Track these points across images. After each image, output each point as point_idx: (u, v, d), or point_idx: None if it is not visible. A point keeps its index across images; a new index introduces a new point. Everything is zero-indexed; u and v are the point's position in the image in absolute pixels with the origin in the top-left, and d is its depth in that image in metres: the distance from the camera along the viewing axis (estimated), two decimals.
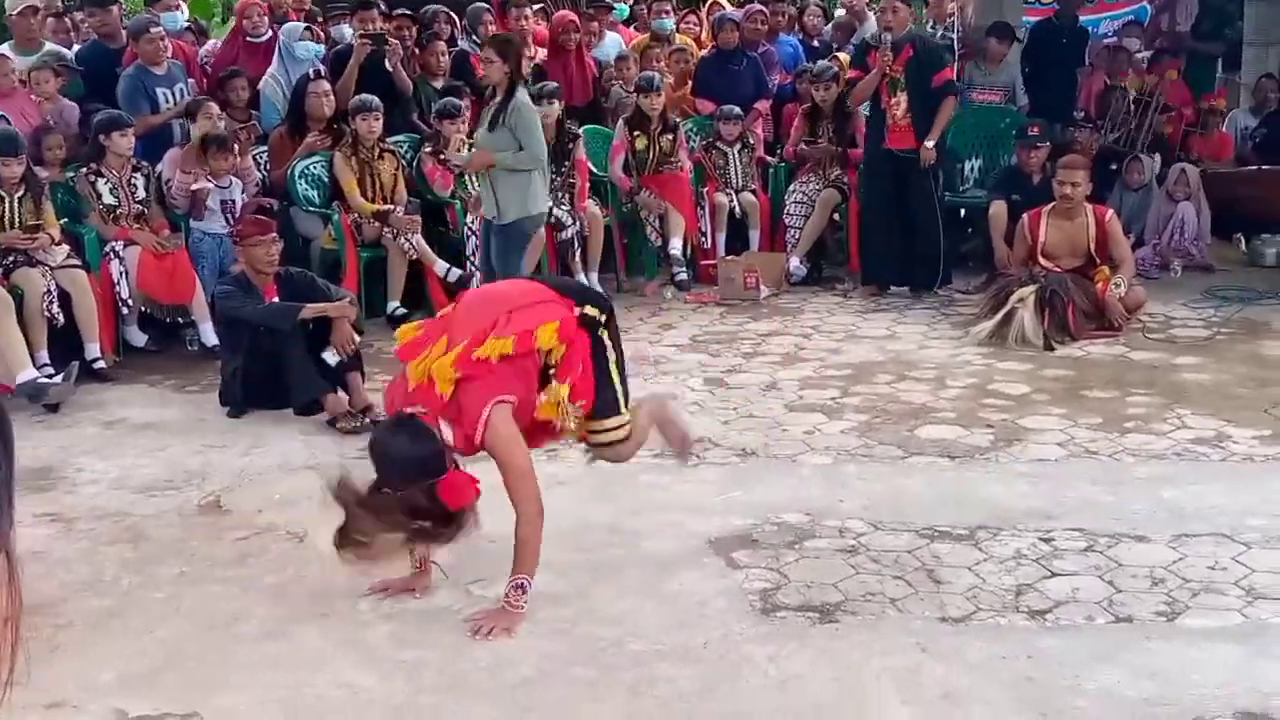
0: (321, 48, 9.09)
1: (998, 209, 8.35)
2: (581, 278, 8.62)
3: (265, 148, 8.50)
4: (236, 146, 7.96)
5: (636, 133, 9.07)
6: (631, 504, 5.14)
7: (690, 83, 9.96)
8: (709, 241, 9.29)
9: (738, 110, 9.42)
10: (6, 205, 7.09)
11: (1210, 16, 11.57)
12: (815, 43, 11.14)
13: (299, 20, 9.52)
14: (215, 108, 8.10)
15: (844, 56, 10.11)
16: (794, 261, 9.09)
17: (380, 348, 7.64)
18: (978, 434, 5.85)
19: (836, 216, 9.27)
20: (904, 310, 8.24)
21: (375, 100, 8.20)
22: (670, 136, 9.13)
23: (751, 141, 9.56)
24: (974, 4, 10.59)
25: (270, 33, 9.04)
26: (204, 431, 6.28)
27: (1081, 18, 10.97)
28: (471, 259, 8.12)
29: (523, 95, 7.25)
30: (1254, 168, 9.64)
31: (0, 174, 7.03)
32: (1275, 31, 11.27)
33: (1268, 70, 10.88)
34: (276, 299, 6.50)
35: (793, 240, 9.21)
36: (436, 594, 4.41)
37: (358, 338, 6.58)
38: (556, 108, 8.69)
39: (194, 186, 7.67)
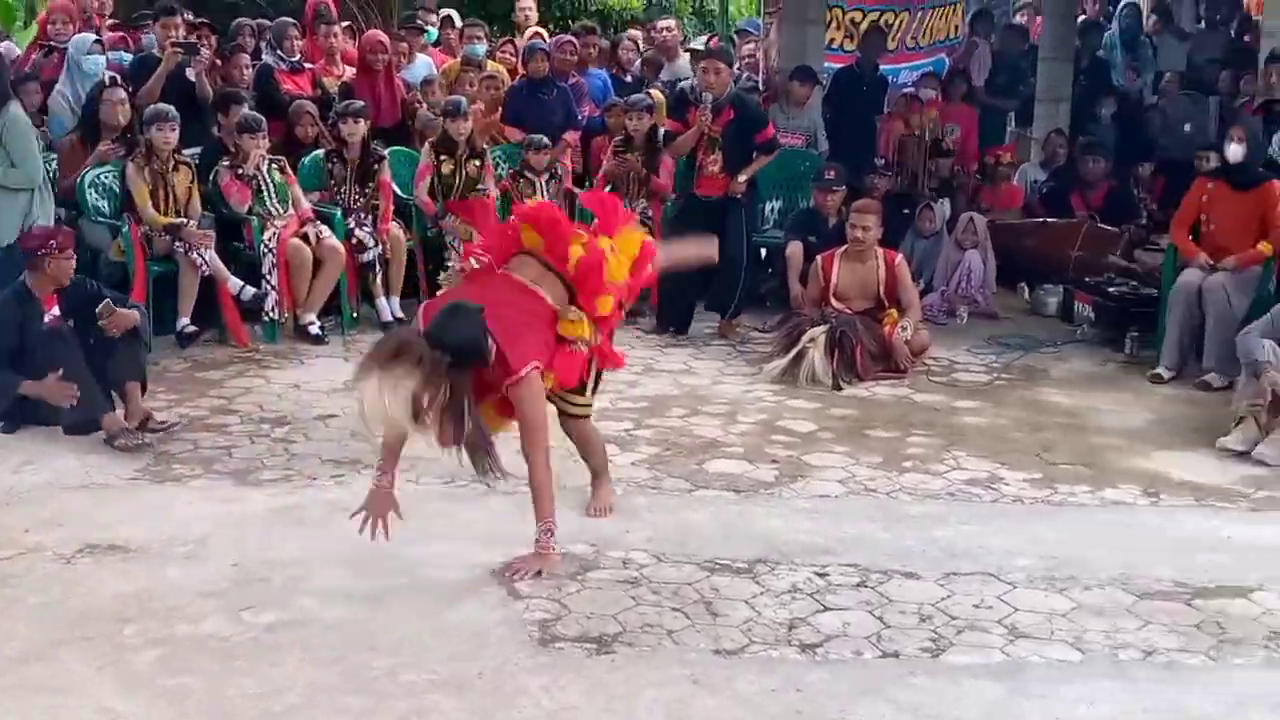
0: (119, 56, 8.83)
1: (794, 249, 8.54)
2: (382, 301, 8.56)
3: (54, 154, 8.22)
4: None
5: (443, 157, 9.02)
6: (417, 532, 5.07)
7: (500, 109, 9.96)
8: None
9: (546, 140, 9.44)
10: None
11: (1004, 73, 12.04)
12: (628, 77, 11.24)
13: (97, 29, 9.24)
14: None
15: (656, 92, 10.23)
16: None
17: (165, 366, 7.47)
18: (764, 469, 5.96)
19: None
20: (701, 346, 8.35)
21: (172, 110, 7.99)
22: (477, 163, 9.10)
23: (559, 172, 9.58)
24: (777, 48, 10.83)
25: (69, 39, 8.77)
26: None
27: (882, 67, 11.32)
28: (267, 277, 7.98)
29: (15, 108, 7.05)
30: (1038, 220, 10.04)
31: None
32: (1064, 89, 11.80)
33: (1057, 126, 11.38)
34: (57, 309, 6.32)
35: None
36: (204, 621, 4.31)
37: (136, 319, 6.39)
38: (362, 127, 8.62)
39: None
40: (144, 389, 6.40)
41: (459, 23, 11.44)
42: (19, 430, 6.22)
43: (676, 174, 8.89)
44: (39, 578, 4.65)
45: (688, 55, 11.31)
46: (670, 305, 8.58)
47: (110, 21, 9.85)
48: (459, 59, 10.60)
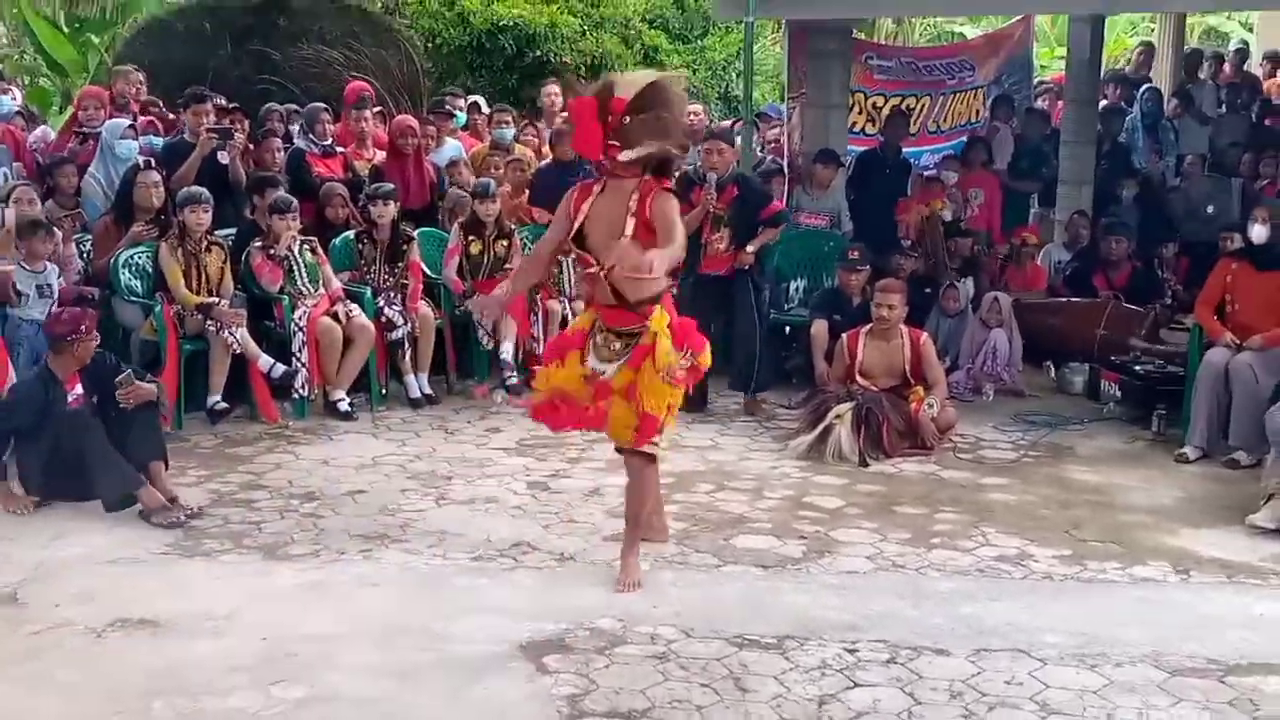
0: (150, 140, 8.98)
1: (819, 328, 8.58)
2: (410, 378, 8.62)
3: (89, 235, 8.36)
4: (57, 232, 7.80)
5: (471, 238, 9.14)
6: (446, 607, 5.11)
7: (527, 191, 10.08)
8: (541, 347, 9.33)
9: None
10: None
11: (1027, 156, 12.13)
12: None
13: (133, 114, 9.43)
14: (31, 192, 7.96)
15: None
16: None
17: (196, 442, 7.53)
18: (791, 544, 5.96)
19: None
20: (727, 423, 8.37)
21: (205, 193, 8.13)
22: (505, 243, 9.21)
23: None
24: (800, 132, 10.94)
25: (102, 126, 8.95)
26: (2, 522, 6.07)
27: (904, 150, 11.42)
28: (298, 355, 8.06)
29: None
30: (1062, 299, 10.06)
31: None
32: (1087, 172, 11.86)
33: (1080, 207, 11.44)
34: (80, 388, 6.41)
35: None
36: (233, 695, 4.32)
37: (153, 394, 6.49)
38: (391, 209, 8.74)
39: None
40: (166, 466, 6.45)
41: (485, 108, 11.61)
42: (51, 504, 6.27)
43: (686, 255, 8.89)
44: (69, 652, 4.68)
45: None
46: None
47: (145, 99, 10.04)
48: (487, 143, 10.75)
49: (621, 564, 5.44)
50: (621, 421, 5.33)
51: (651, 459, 5.47)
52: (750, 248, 8.46)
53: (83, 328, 6.42)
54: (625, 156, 5.10)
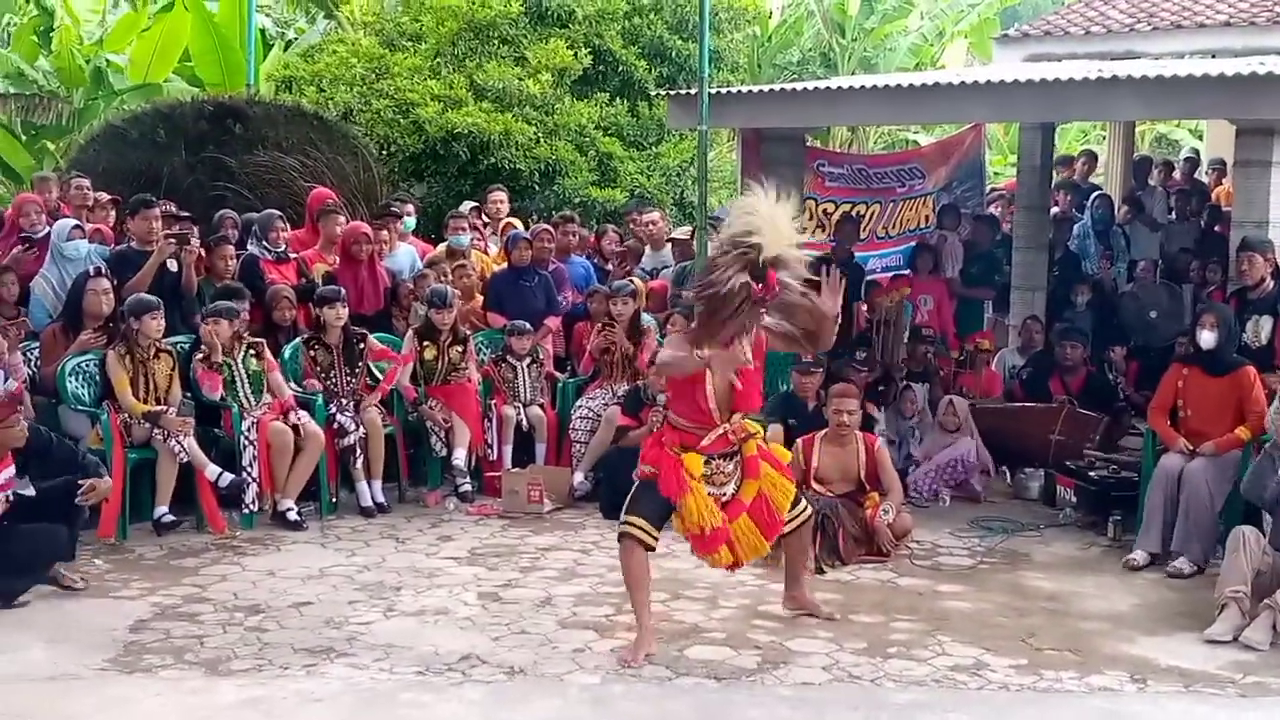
0: (98, 249, 8.93)
1: (774, 433, 8.50)
2: (363, 486, 8.53)
3: (35, 344, 8.27)
4: (1, 340, 7.72)
5: (426, 343, 9.11)
6: None
7: (476, 295, 10.08)
8: (495, 454, 9.28)
9: (528, 325, 9.56)
10: None
11: (978, 262, 12.25)
12: (609, 265, 11.42)
13: (73, 217, 9.40)
14: None
15: (637, 280, 10.39)
16: (579, 476, 9.11)
17: (141, 554, 7.39)
18: (746, 655, 5.87)
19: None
20: None
21: (155, 300, 8.07)
22: (460, 348, 9.18)
23: (541, 356, 9.68)
24: None
25: (46, 230, 8.90)
26: None
27: (854, 254, 11.52)
28: (247, 469, 7.96)
29: None
30: (1017, 404, 10.09)
31: None
32: (1039, 278, 11.99)
33: (1033, 313, 11.53)
34: (11, 470, 6.44)
35: (578, 455, 9.25)
36: None
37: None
38: (342, 312, 8.72)
39: None
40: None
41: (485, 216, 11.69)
42: None
43: None
44: None
45: (669, 245, 11.51)
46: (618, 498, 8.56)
47: (101, 197, 10.02)
48: (442, 248, 10.75)
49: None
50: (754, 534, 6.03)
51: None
52: None
53: (7, 414, 6.45)
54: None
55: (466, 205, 11.77)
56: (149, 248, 8.68)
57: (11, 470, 6.43)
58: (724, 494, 5.90)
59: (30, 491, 6.48)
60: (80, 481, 6.53)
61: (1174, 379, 7.91)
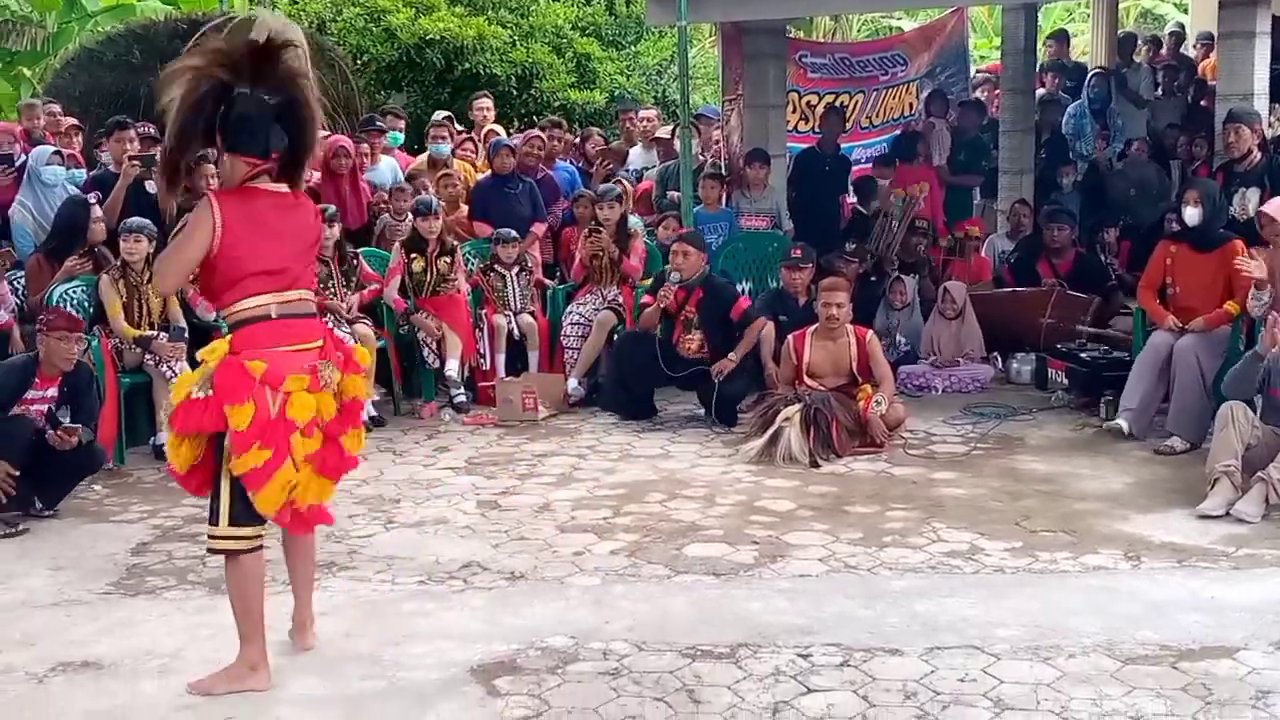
0: (72, 174, 8.84)
1: (766, 330, 8.55)
2: None
3: (21, 272, 8.23)
4: None
5: (413, 255, 9.08)
6: (394, 633, 5.04)
7: (463, 206, 10.03)
8: (488, 363, 9.30)
9: (514, 233, 9.53)
10: None
11: (965, 149, 12.17)
12: (593, 169, 11.35)
13: (53, 143, 9.31)
14: None
15: (624, 182, 10.34)
16: (572, 382, 9.15)
17: (139, 477, 7.42)
18: (743, 551, 5.92)
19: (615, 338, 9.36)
20: (678, 429, 8.35)
21: (146, 222, 8.03)
22: (448, 259, 9.15)
23: (529, 264, 9.66)
24: (739, 134, 10.94)
25: (24, 159, 8.80)
26: None
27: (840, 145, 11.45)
28: None
29: None
30: (1008, 289, 10.10)
31: None
32: (1027, 161, 11.93)
33: (1021, 196, 11.49)
34: (53, 390, 6.72)
35: (571, 361, 9.28)
36: None
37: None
38: (336, 230, 8.65)
39: None
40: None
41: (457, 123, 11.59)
42: None
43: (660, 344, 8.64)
44: (11, 699, 4.56)
45: (654, 145, 11.44)
46: (621, 391, 8.59)
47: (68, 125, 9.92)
48: (423, 158, 10.68)
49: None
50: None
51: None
52: (733, 355, 8.35)
53: (62, 329, 6.69)
54: None
55: (439, 114, 11.67)
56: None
57: (55, 391, 6.71)
58: None
59: (66, 420, 6.64)
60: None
61: (1162, 256, 7.91)
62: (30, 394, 6.69)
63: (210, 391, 4.31)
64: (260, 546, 4.55)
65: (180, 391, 4.39)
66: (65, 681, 4.70)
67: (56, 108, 10.14)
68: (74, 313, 7.27)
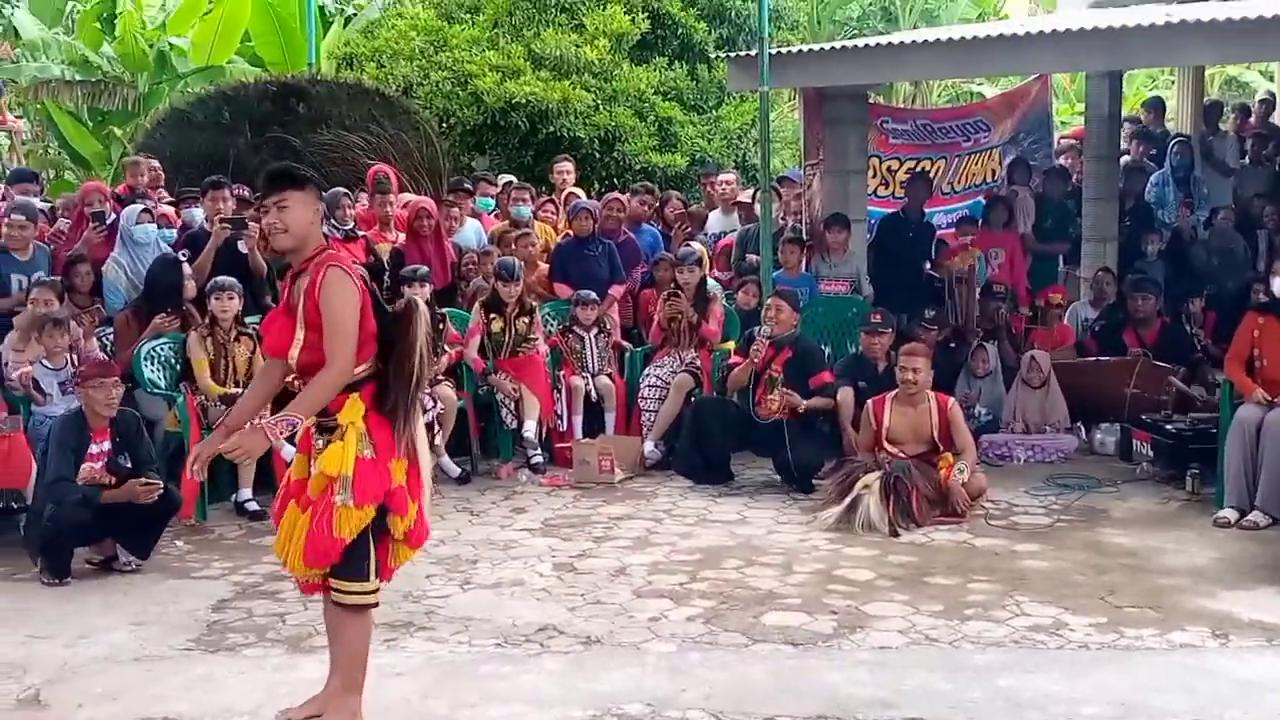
0: (163, 233, 9.02)
1: (844, 395, 8.51)
2: (446, 461, 8.56)
3: (110, 329, 8.40)
4: (77, 327, 7.85)
5: (493, 315, 9.15)
6: (471, 695, 5.03)
7: (540, 265, 10.10)
8: (565, 424, 9.32)
9: (594, 295, 9.58)
10: None
11: (1051, 215, 12.06)
12: (672, 231, 11.39)
13: (152, 200, 9.52)
14: (49, 292, 7.99)
15: (699, 246, 10.37)
16: (649, 445, 9.14)
17: (221, 534, 7.51)
18: (822, 620, 5.86)
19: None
20: (754, 495, 8.31)
21: (233, 281, 8.18)
22: (526, 319, 9.21)
23: (608, 326, 9.70)
24: (820, 198, 10.93)
25: (114, 218, 8.98)
26: (29, 621, 6.03)
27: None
28: None
29: None
30: (1093, 358, 9.97)
31: None
32: (1110, 228, 11.80)
33: (1105, 264, 11.36)
34: (108, 443, 6.75)
35: (648, 424, 9.28)
36: None
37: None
38: (426, 290, 8.70)
39: (15, 373, 7.56)
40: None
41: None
42: (76, 600, 6.28)
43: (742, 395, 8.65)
44: None
45: (735, 209, 11.49)
46: (698, 455, 8.56)
47: (164, 198, 10.12)
48: (506, 221, 10.79)
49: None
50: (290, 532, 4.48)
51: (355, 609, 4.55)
52: (802, 406, 8.34)
53: (96, 377, 6.77)
54: None
55: (503, 179, 11.79)
56: None
57: (108, 444, 6.76)
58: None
59: (128, 464, 6.74)
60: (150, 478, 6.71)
61: (1249, 328, 7.78)
62: (91, 449, 6.73)
63: (373, 452, 4.39)
64: None
65: (335, 462, 4.34)
66: None
67: (155, 164, 10.34)
68: (100, 356, 7.39)
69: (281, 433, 4.29)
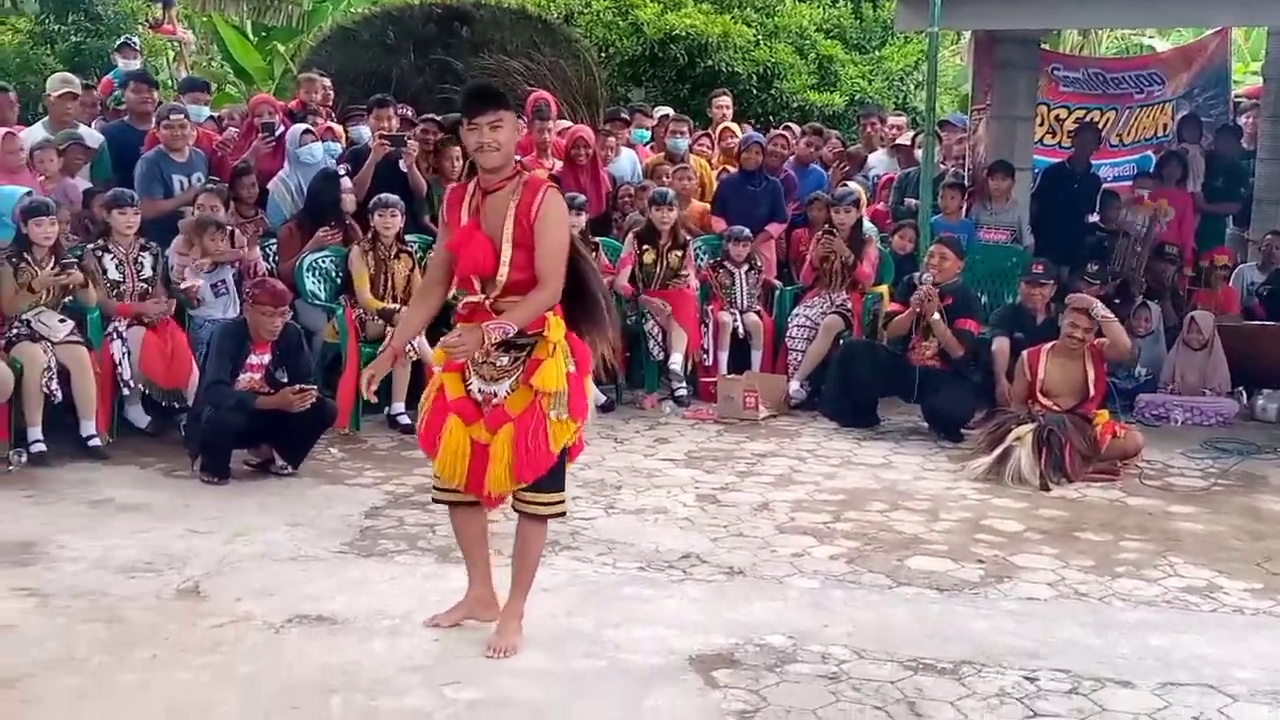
0: (329, 146, 9.15)
1: (1000, 345, 8.36)
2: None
3: (273, 240, 8.58)
4: (241, 236, 8.04)
5: (645, 246, 9.15)
6: (615, 616, 5.09)
7: (693, 200, 10.06)
8: (710, 359, 9.32)
9: (747, 232, 9.52)
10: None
11: (1222, 174, 11.66)
12: (830, 171, 11.26)
13: (320, 117, 9.68)
14: (215, 199, 8.19)
15: (857, 185, 10.24)
16: (794, 385, 9.10)
17: (374, 444, 7.66)
18: (968, 568, 5.80)
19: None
20: (900, 440, 8.23)
21: (395, 198, 8.29)
22: (679, 253, 9.20)
23: (759, 263, 9.64)
24: (985, 144, 10.70)
25: (282, 130, 9.14)
26: (189, 516, 6.25)
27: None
28: None
29: None
30: (1256, 323, 9.67)
31: (33, 234, 7.11)
32: None
33: (1276, 227, 10.96)
34: (268, 356, 6.94)
35: (795, 363, 9.23)
36: (408, 695, 4.35)
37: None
38: (582, 219, 8.72)
39: (183, 285, 7.76)
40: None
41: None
42: (227, 482, 6.66)
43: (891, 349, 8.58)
44: (249, 647, 4.75)
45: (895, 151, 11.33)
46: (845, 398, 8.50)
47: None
48: (662, 153, 10.77)
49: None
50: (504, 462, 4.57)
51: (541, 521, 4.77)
52: (939, 321, 8.22)
53: (267, 305, 6.86)
54: None
55: (659, 111, 11.75)
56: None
57: (268, 356, 6.93)
58: (492, 393, 4.58)
59: (285, 379, 6.90)
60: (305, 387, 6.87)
61: None
62: (251, 359, 6.91)
63: (574, 366, 4.57)
64: None
65: (554, 378, 4.48)
66: (300, 634, 4.88)
67: (327, 82, 10.52)
68: (279, 285, 7.29)
69: (498, 336, 4.42)
